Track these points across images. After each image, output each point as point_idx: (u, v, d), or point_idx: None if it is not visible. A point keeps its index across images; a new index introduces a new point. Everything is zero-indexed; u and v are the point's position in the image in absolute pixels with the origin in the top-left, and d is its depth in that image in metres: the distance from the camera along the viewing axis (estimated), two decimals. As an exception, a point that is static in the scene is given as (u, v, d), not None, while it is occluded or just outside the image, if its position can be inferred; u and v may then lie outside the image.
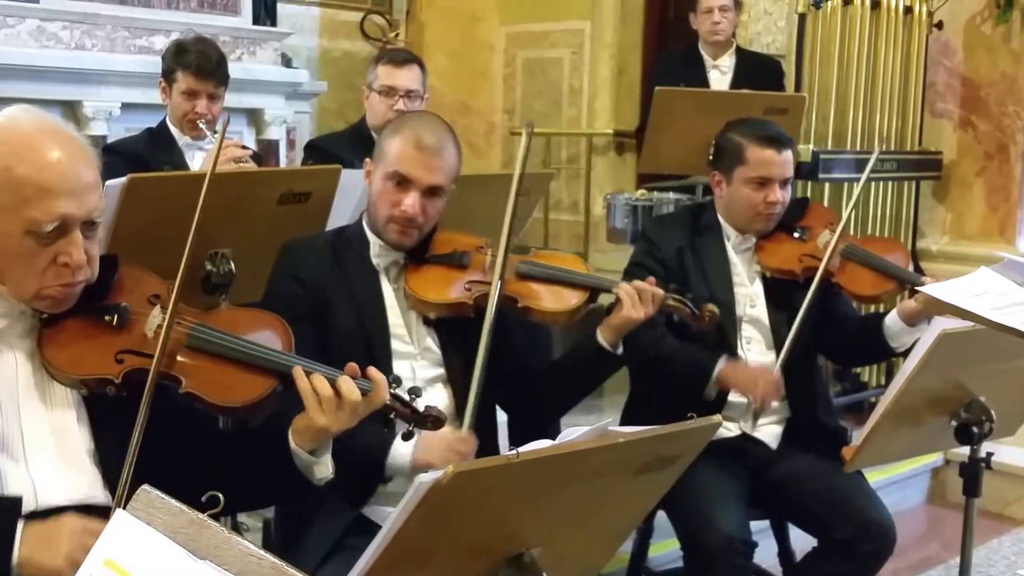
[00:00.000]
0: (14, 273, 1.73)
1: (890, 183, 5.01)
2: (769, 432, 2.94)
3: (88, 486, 1.78)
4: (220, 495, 1.58)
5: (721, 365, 2.81)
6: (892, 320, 2.87)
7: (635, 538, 3.15)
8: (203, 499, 1.56)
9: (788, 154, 2.93)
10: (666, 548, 3.34)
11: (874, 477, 3.13)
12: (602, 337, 2.41)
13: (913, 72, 5.07)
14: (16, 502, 1.70)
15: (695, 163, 4.19)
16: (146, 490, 1.09)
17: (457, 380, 2.36)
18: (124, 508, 1.09)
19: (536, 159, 6.91)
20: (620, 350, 2.43)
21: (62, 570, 1.63)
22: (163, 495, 1.08)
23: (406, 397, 1.94)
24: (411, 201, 2.30)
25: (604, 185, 6.58)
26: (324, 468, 1.90)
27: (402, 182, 2.31)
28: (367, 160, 2.44)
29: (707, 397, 2.82)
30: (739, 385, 2.82)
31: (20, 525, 1.68)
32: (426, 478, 1.21)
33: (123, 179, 2.44)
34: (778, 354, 2.90)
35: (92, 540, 1.57)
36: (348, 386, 1.83)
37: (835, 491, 2.77)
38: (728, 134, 2.99)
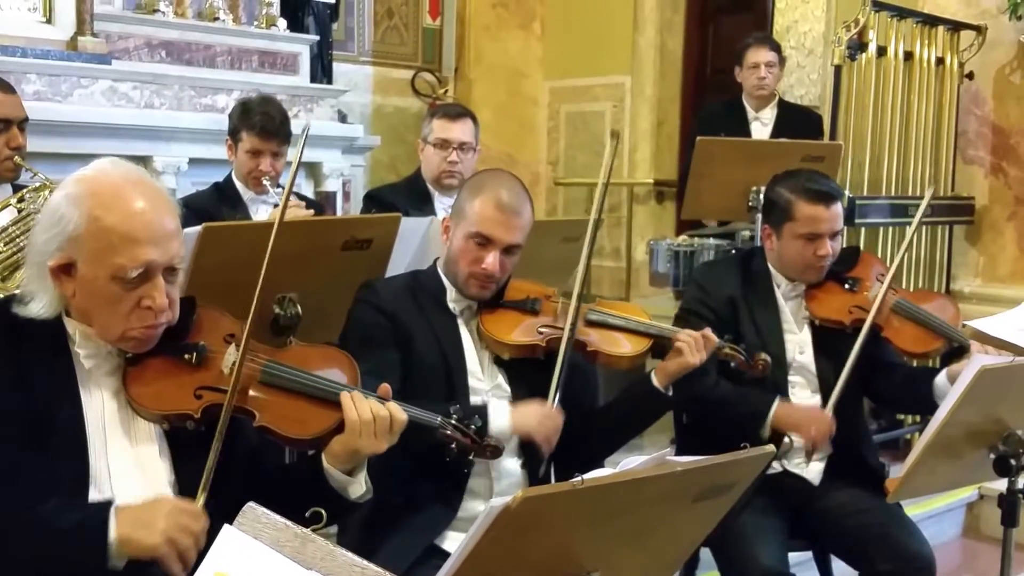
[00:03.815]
0: (101, 316, 1.81)
1: (924, 227, 5.05)
2: (812, 469, 2.96)
3: None
4: (323, 511, 1.63)
5: (776, 407, 2.84)
6: (942, 381, 2.84)
7: (681, 569, 3.12)
8: (307, 515, 1.62)
9: (837, 207, 2.93)
10: (710, 580, 3.39)
11: (911, 511, 3.10)
12: (656, 380, 2.51)
13: (945, 120, 5.15)
14: (107, 502, 1.75)
15: (735, 209, 4.31)
16: (252, 507, 1.14)
17: (529, 453, 2.45)
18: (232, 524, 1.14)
19: (579, 208, 7.05)
20: (671, 392, 2.53)
21: (159, 547, 1.68)
22: (268, 511, 1.13)
23: (466, 428, 2.04)
24: (492, 260, 2.40)
25: (645, 232, 6.69)
26: (359, 487, 1.93)
27: (483, 242, 2.40)
28: (445, 216, 2.53)
29: (763, 436, 2.84)
30: (794, 427, 2.83)
31: (112, 509, 1.71)
32: (497, 503, 1.26)
33: (198, 227, 2.52)
34: (824, 399, 2.92)
35: (186, 519, 1.70)
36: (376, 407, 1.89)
37: (878, 525, 2.80)
38: (777, 188, 2.98)
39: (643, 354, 2.54)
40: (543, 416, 2.37)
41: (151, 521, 1.70)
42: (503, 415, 2.37)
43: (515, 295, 2.53)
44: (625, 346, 2.54)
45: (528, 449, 2.47)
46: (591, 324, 2.55)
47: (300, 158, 1.98)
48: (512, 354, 2.47)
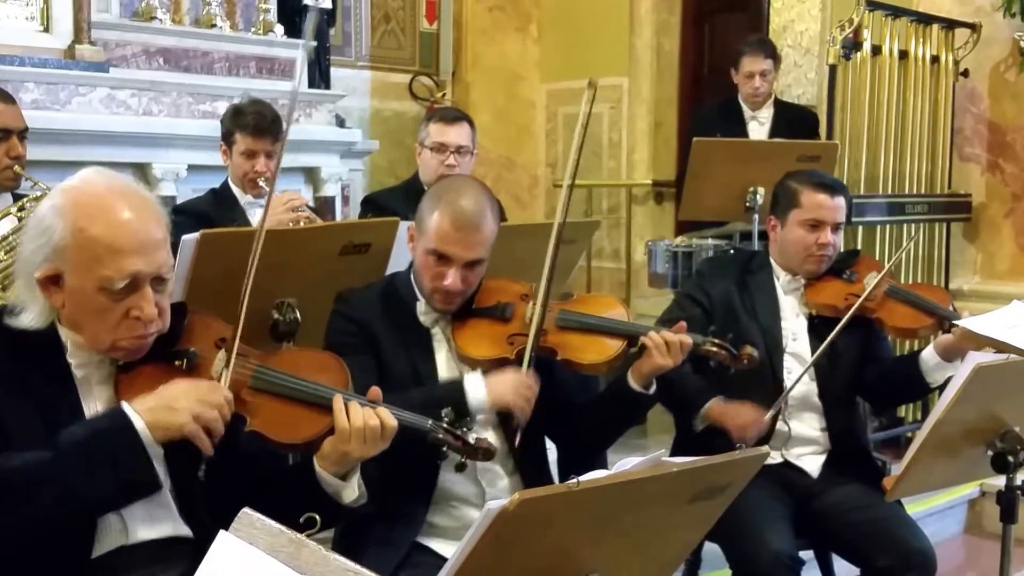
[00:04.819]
0: (90, 326, 1.81)
1: (921, 225, 5.09)
2: (810, 462, 3.00)
3: (171, 520, 1.87)
4: (317, 516, 1.62)
5: (713, 401, 2.88)
6: (929, 354, 2.92)
7: (683, 569, 3.17)
8: (301, 520, 1.60)
9: (841, 200, 3.03)
10: (714, 580, 3.38)
11: (912, 509, 3.12)
12: (632, 380, 2.45)
13: (941, 118, 5.18)
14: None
15: (732, 209, 4.33)
16: (247, 513, 1.14)
17: (507, 423, 2.41)
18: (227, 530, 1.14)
19: (578, 210, 7.02)
20: (652, 389, 2.47)
21: (186, 425, 1.71)
22: (263, 517, 1.13)
23: (457, 431, 2.02)
24: (452, 277, 2.34)
25: (644, 233, 6.70)
26: (352, 491, 1.93)
27: (442, 258, 2.34)
28: (410, 224, 2.47)
29: (695, 428, 2.91)
30: (725, 420, 2.86)
31: (126, 405, 1.72)
32: (494, 505, 1.27)
33: (197, 234, 2.54)
34: (819, 386, 2.98)
35: (205, 393, 1.75)
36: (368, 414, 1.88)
37: (877, 521, 2.82)
38: (786, 182, 3.10)
39: (617, 357, 2.45)
40: (519, 384, 2.31)
41: (172, 403, 1.73)
42: (479, 387, 2.33)
43: (487, 299, 2.47)
44: (597, 352, 2.44)
45: (523, 460, 2.46)
46: (562, 329, 2.46)
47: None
48: (484, 368, 2.41)
